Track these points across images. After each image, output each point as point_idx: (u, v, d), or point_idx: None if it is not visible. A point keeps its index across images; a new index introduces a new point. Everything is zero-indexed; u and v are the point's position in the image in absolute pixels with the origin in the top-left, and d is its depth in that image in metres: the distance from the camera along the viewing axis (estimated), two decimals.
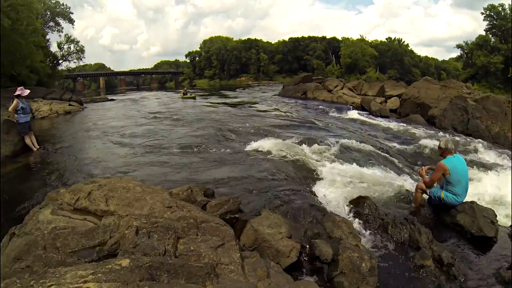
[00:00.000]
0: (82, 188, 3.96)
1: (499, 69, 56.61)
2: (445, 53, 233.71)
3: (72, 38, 45.68)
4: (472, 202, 6.08)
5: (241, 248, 4.02)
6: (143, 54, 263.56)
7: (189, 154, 9.63)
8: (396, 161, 11.10)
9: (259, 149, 10.32)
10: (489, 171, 10.01)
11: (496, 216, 6.00)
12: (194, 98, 33.03)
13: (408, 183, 8.07)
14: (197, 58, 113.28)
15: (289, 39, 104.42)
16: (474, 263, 5.06)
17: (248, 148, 10.63)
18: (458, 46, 67.56)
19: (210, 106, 25.85)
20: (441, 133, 16.83)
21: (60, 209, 3.61)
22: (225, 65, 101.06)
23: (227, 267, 3.16)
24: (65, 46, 44.92)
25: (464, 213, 5.84)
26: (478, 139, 15.54)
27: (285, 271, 3.95)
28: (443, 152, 6.09)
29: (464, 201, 6.08)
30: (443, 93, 22.64)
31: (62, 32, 43.74)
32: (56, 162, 8.75)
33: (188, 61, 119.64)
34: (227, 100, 32.61)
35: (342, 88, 32.00)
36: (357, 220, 5.78)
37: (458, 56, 72.88)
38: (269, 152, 9.92)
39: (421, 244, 5.01)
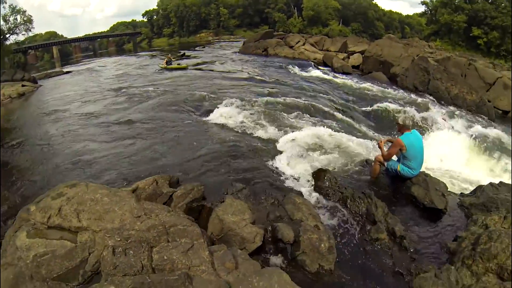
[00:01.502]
0: (51, 204, 4.06)
1: (462, 28, 58.81)
2: (409, 8, 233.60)
3: (17, 8, 42.66)
4: (427, 175, 6.62)
5: (210, 238, 4.37)
6: (98, 17, 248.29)
7: (150, 135, 9.59)
8: (357, 125, 11.66)
9: (219, 120, 10.42)
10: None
11: (447, 188, 6.60)
12: (185, 68, 25.65)
13: (368, 152, 8.52)
14: (155, 17, 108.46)
15: None
16: (424, 234, 5.59)
17: (209, 119, 10.69)
18: (423, 3, 68.81)
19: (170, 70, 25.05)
20: (402, 92, 17.65)
21: (35, 230, 3.76)
22: (184, 22, 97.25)
23: (199, 268, 3.44)
24: (11, 18, 42.01)
25: (418, 185, 6.38)
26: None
27: (252, 254, 4.33)
28: (401, 128, 6.46)
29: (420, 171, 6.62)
30: (406, 51, 23.35)
31: (5, 3, 40.79)
32: (16, 163, 8.58)
33: (145, 20, 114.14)
34: (187, 62, 30.92)
35: (304, 44, 32.16)
36: (317, 194, 6.20)
37: (422, 12, 74.23)
38: (230, 123, 10.05)
39: (377, 218, 5.50)
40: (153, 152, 8.30)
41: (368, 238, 5.18)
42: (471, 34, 57.66)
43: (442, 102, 16.56)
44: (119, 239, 3.64)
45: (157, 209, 4.19)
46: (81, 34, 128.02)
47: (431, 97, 17.28)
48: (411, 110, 13.45)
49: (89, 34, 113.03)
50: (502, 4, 56.44)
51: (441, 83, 18.04)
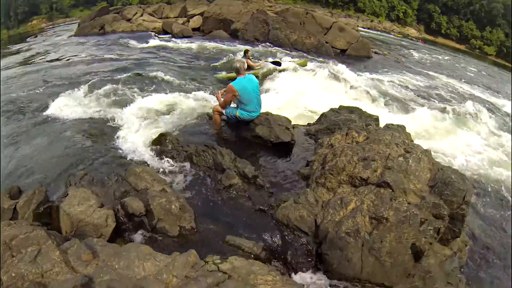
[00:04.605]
0: None
1: None
2: None
3: None
4: (268, 114, 6.94)
5: (65, 238, 4.04)
6: None
7: None
8: (198, 84, 12.04)
9: (56, 114, 9.44)
10: None
11: (290, 122, 7.02)
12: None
13: (209, 106, 8.69)
14: None
15: None
16: (278, 168, 5.99)
17: (44, 115, 9.61)
18: None
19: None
20: (243, 44, 18.90)
21: None
22: (10, 10, 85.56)
23: (52, 271, 3.23)
24: None
25: (262, 125, 6.70)
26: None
27: (114, 238, 4.23)
28: (236, 73, 6.65)
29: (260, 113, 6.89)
30: (245, 8, 24.51)
31: None
32: None
33: None
34: (16, 59, 26.21)
35: (142, 15, 31.45)
36: (162, 158, 6.08)
37: None
38: (67, 114, 9.22)
39: (226, 165, 5.60)
40: None
41: (222, 186, 5.28)
42: None
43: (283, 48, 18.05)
44: None
45: None
46: None
47: (271, 45, 18.58)
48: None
49: None
50: None
51: (281, 32, 19.78)
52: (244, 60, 6.83)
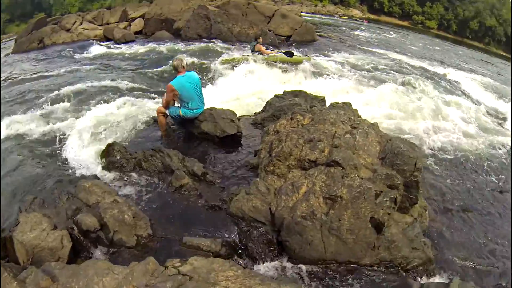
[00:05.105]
0: None
1: None
2: None
3: None
4: (211, 109, 6.90)
5: (23, 268, 3.79)
6: None
7: None
8: (141, 88, 11.90)
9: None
10: None
11: (235, 114, 7.00)
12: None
13: (153, 109, 8.48)
14: None
15: None
16: (226, 162, 5.98)
17: None
18: None
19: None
20: (186, 43, 19.04)
21: None
22: None
23: None
24: None
25: (206, 121, 6.65)
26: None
27: (73, 259, 4.09)
28: (175, 71, 6.58)
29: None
30: (186, 5, 24.15)
31: None
32: None
33: None
34: None
35: (81, 23, 30.04)
36: (111, 169, 5.95)
37: None
38: (10, 135, 8.83)
39: (174, 166, 5.54)
40: None
41: (173, 188, 5.22)
42: None
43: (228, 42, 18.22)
44: None
45: None
46: None
47: (216, 40, 18.63)
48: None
49: None
50: None
51: (223, 25, 19.97)
52: (184, 57, 6.72)
